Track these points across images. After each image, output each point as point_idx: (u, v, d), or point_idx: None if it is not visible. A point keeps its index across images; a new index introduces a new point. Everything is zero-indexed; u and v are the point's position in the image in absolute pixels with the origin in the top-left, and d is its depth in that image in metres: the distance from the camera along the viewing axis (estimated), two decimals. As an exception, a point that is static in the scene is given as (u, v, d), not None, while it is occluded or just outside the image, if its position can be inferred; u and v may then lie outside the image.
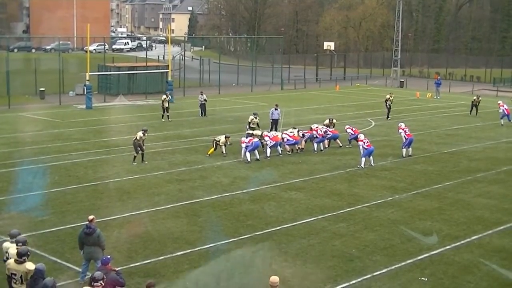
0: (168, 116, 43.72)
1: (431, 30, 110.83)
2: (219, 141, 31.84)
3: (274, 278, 13.18)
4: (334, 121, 36.99)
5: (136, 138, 29.93)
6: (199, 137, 36.85)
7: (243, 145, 31.04)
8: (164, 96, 44.39)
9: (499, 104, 45.64)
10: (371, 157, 30.48)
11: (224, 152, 31.80)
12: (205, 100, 45.76)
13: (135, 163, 29.68)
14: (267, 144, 32.16)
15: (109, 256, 14.39)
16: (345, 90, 69.13)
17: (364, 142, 30.36)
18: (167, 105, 43.87)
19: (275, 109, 38.79)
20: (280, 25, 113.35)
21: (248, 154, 30.81)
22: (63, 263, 17.45)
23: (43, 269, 13.80)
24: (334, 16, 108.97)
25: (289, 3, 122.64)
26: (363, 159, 30.16)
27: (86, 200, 23.80)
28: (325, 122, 36.45)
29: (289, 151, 32.93)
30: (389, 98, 46.23)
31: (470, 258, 18.67)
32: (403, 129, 33.06)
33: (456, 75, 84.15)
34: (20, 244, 14.59)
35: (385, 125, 42.78)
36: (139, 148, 29.91)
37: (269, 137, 32.38)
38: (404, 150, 32.78)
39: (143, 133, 30.20)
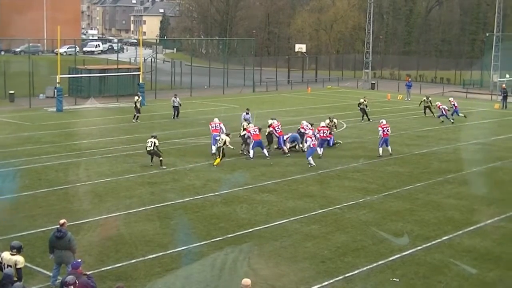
0: (137, 117, 43.93)
1: (402, 33, 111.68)
2: (224, 143, 30.78)
3: (246, 281, 13.14)
4: (335, 120, 36.70)
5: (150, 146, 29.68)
6: (171, 140, 36.72)
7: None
8: (137, 98, 44.78)
9: (450, 100, 47.75)
10: (310, 158, 30.68)
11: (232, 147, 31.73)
12: (179, 103, 45.79)
13: (164, 166, 29.55)
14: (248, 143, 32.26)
15: (79, 260, 14.29)
16: (317, 92, 69.37)
17: (312, 139, 30.74)
18: (139, 106, 44.09)
19: (247, 113, 38.79)
20: (252, 28, 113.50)
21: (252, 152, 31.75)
22: (33, 267, 17.25)
23: (12, 273, 13.69)
24: (305, 19, 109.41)
25: (261, 6, 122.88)
26: (310, 158, 30.48)
27: (57, 204, 23.61)
28: (326, 121, 35.31)
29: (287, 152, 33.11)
30: (362, 101, 46.56)
31: (441, 259, 18.81)
32: (381, 127, 33.23)
33: (427, 77, 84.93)
34: (15, 250, 14.55)
35: (357, 127, 42.98)
36: (155, 156, 29.75)
37: (250, 133, 32.35)
38: (381, 149, 33.04)
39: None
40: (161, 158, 29.69)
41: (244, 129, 33.09)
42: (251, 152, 32.08)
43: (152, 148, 29.51)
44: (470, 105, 59.56)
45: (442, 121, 45.84)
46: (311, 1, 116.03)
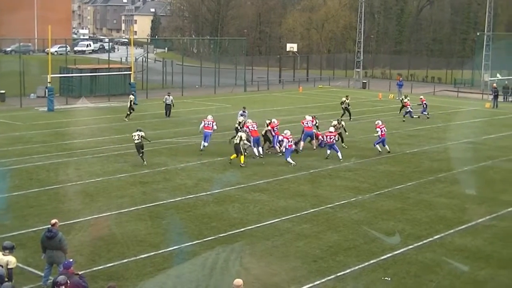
0: (127, 115, 44.47)
1: (393, 32, 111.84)
2: (240, 140, 30.44)
3: (238, 281, 13.12)
4: (343, 123, 36.41)
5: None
6: (163, 139, 36.68)
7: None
8: (132, 97, 45.72)
9: (420, 98, 49.17)
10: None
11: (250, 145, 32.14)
12: (172, 102, 46.18)
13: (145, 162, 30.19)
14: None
15: (71, 260, 14.24)
16: (308, 91, 69.36)
17: (288, 140, 31.02)
18: (132, 105, 44.98)
19: (243, 111, 38.72)
20: (243, 27, 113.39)
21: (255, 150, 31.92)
22: (25, 267, 17.20)
23: (3, 274, 13.64)
24: (296, 18, 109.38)
25: (252, 5, 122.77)
26: (289, 159, 30.76)
27: (49, 204, 23.55)
28: (333, 123, 35.15)
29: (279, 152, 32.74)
30: (344, 100, 46.62)
31: (433, 257, 18.86)
32: (379, 128, 33.44)
33: (418, 76, 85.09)
34: (7, 251, 14.50)
35: (348, 127, 42.91)
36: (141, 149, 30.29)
37: (249, 128, 32.32)
38: (378, 146, 33.31)
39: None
40: (143, 150, 30.25)
41: (242, 125, 33.09)
42: (255, 149, 32.03)
43: (139, 140, 30.02)
44: (461, 104, 59.80)
45: (417, 117, 46.79)
46: (302, 0, 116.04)
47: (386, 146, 33.91)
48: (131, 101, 44.92)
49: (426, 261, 18.56)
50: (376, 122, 34.40)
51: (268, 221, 21.95)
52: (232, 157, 30.30)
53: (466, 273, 17.83)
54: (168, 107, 46.20)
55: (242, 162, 30.08)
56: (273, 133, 33.39)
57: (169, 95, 46.65)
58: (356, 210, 23.62)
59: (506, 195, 26.39)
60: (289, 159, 30.60)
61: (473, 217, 23.00)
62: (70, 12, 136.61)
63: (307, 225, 21.70)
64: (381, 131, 33.51)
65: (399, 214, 23.25)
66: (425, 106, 48.17)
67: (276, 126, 33.55)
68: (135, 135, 30.12)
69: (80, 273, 14.18)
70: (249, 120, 33.61)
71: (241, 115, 37.79)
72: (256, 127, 32.74)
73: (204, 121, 33.92)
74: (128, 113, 44.39)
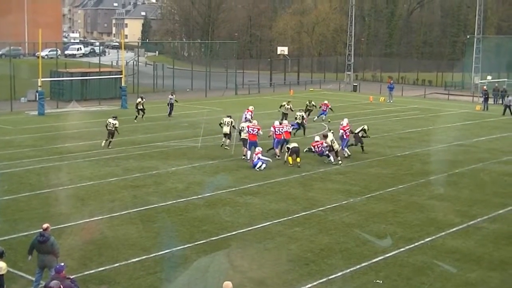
0: (143, 115, 46.12)
1: (383, 35, 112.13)
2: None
3: (227, 284, 13.10)
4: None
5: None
6: (154, 143, 36.63)
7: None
8: (139, 100, 46.67)
9: (325, 103, 48.47)
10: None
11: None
12: (175, 100, 48.91)
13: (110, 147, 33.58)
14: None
15: (62, 264, 14.20)
16: (299, 94, 69.33)
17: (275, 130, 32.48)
18: (141, 107, 46.19)
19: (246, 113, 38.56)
20: (234, 30, 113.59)
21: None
22: (15, 272, 17.10)
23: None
24: (287, 21, 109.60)
25: (243, 9, 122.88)
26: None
27: (40, 208, 23.47)
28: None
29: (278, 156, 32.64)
30: (284, 105, 45.84)
31: (424, 260, 18.89)
32: (343, 129, 33.51)
33: (408, 79, 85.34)
34: None
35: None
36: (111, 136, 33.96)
37: (275, 130, 32.79)
38: (346, 149, 33.49)
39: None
40: (111, 140, 33.73)
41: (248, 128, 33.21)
42: (277, 150, 32.66)
43: (113, 129, 34.25)
44: (452, 106, 59.99)
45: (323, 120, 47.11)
46: (293, 4, 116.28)
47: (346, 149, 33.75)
48: (139, 103, 46.14)
49: (418, 264, 18.59)
50: (341, 123, 34.40)
51: (259, 224, 21.94)
52: (290, 160, 30.96)
53: (457, 275, 17.86)
54: (171, 107, 48.18)
55: (298, 161, 30.93)
56: (274, 136, 33.02)
57: (172, 95, 49.04)
58: (347, 213, 23.64)
59: (497, 197, 26.46)
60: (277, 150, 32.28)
61: (464, 220, 23.04)
62: (60, 16, 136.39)
63: (299, 228, 21.70)
64: (345, 133, 33.47)
65: (390, 216, 23.28)
66: (324, 110, 47.73)
67: (278, 128, 33.10)
68: (110, 123, 33.87)
69: (71, 277, 14.13)
70: (255, 122, 33.32)
71: (245, 117, 37.11)
72: (256, 131, 32.27)
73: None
74: (142, 113, 46.05)
